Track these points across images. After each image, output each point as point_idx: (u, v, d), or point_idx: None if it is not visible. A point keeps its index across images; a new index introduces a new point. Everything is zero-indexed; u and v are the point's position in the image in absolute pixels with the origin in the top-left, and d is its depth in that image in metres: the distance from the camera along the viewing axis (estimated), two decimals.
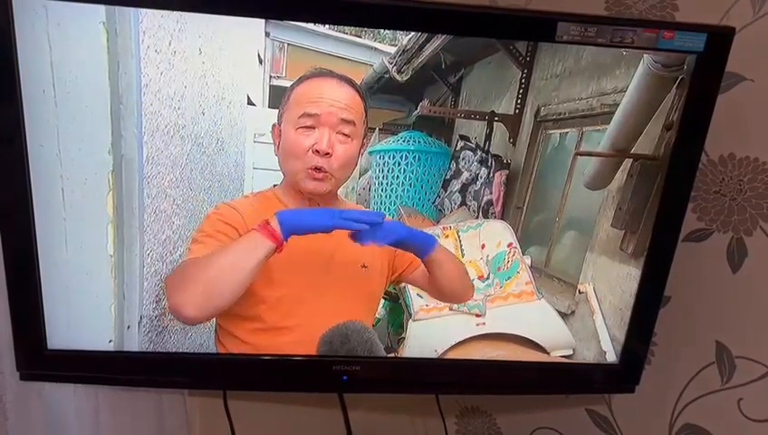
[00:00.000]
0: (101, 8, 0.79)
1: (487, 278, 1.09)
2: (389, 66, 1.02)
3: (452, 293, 1.05)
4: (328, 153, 0.92)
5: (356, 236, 0.91)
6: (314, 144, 0.91)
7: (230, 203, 0.96)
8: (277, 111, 0.96)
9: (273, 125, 0.96)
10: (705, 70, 0.88)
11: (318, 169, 0.92)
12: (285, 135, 0.93)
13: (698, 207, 1.10)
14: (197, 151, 1.02)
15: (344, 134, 0.93)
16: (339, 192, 1.00)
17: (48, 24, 0.77)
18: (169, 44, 0.89)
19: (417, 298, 1.07)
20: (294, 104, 0.93)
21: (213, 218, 0.93)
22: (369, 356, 0.99)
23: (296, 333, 0.96)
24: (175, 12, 0.86)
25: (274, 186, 1.00)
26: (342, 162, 0.94)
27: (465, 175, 1.14)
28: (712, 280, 1.12)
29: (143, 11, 0.84)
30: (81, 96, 0.82)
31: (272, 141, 0.97)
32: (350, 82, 0.94)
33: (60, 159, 0.83)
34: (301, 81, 0.94)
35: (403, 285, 1.10)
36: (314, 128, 0.91)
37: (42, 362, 0.94)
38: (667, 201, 0.95)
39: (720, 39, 0.87)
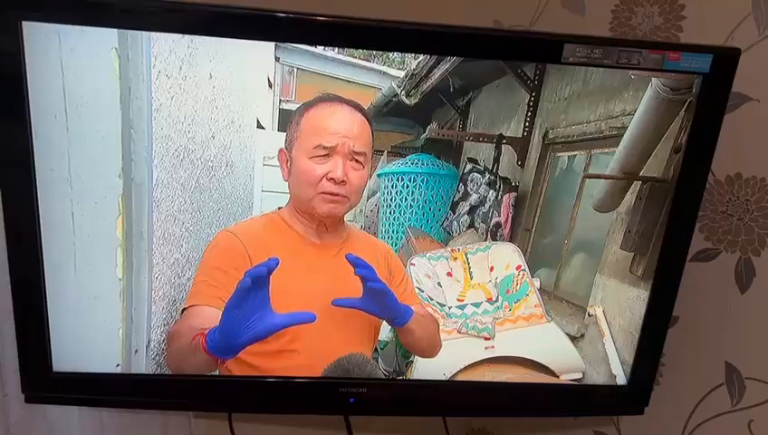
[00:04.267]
0: (114, 34, 0.80)
1: (496, 301, 1.09)
2: (398, 90, 1.02)
3: (416, 352, 1.06)
4: (343, 181, 0.92)
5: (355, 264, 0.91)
6: (328, 172, 0.92)
7: (231, 229, 0.95)
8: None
9: (281, 150, 0.96)
10: (711, 90, 0.88)
11: (334, 193, 0.93)
12: (298, 163, 0.93)
13: (705, 227, 1.10)
14: (207, 175, 1.02)
15: (357, 161, 0.94)
16: (347, 214, 1.00)
17: (61, 50, 0.77)
18: (180, 69, 0.90)
19: None
20: (307, 133, 0.93)
21: (212, 254, 0.92)
22: (376, 378, 0.99)
23: (302, 356, 0.95)
24: (186, 37, 0.87)
25: (279, 208, 0.99)
26: (356, 188, 0.95)
27: (474, 197, 1.14)
28: (720, 300, 1.12)
29: (155, 37, 0.84)
30: (93, 121, 0.82)
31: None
32: (359, 108, 0.95)
33: (70, 182, 0.83)
34: (309, 107, 0.94)
35: None
36: (328, 156, 0.92)
37: (47, 384, 0.93)
38: (674, 221, 0.95)
39: (726, 60, 0.87)
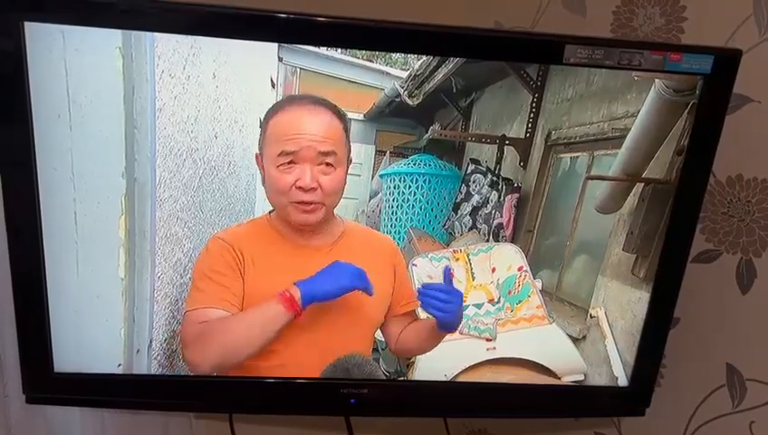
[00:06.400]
0: (118, 33, 0.79)
1: (498, 302, 1.09)
2: (401, 90, 1.02)
3: (409, 354, 1.06)
4: (313, 188, 0.90)
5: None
6: (297, 180, 0.89)
7: (221, 235, 0.94)
8: None
9: (256, 155, 0.94)
10: (712, 92, 0.89)
11: (306, 202, 0.91)
12: (267, 171, 0.91)
13: (706, 228, 1.10)
14: (210, 175, 1.02)
15: (327, 164, 0.90)
16: (349, 215, 0.99)
17: (65, 50, 0.77)
18: (183, 69, 0.90)
19: None
20: (271, 140, 0.90)
21: (207, 261, 0.92)
22: (377, 379, 0.99)
23: (294, 357, 0.94)
24: (189, 37, 0.87)
25: (270, 213, 0.98)
26: (330, 192, 0.91)
27: (476, 198, 1.15)
28: (721, 301, 1.12)
29: (158, 36, 0.85)
30: (96, 120, 0.82)
31: None
32: (326, 105, 0.91)
33: (73, 182, 0.83)
34: (275, 112, 0.91)
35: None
36: (294, 163, 0.89)
37: (48, 385, 0.93)
38: (675, 222, 0.95)
39: (727, 61, 0.87)
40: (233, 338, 0.89)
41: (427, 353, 1.03)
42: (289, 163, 0.89)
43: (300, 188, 0.89)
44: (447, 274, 0.96)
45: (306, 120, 0.89)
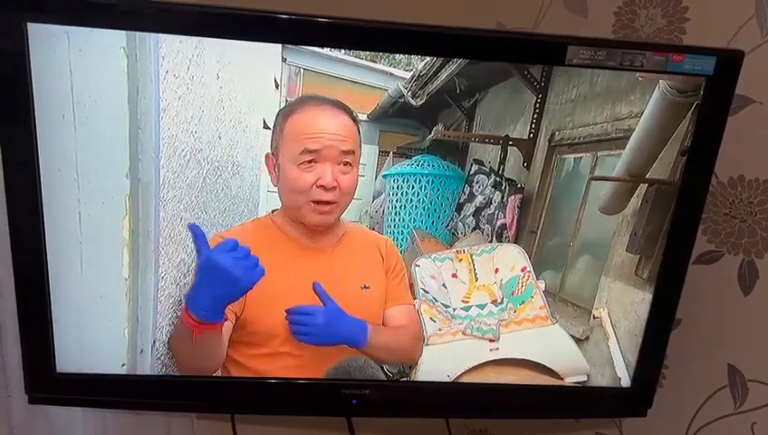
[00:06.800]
0: (122, 34, 0.79)
1: (501, 303, 1.09)
2: (404, 91, 1.02)
3: (393, 361, 1.05)
4: (333, 187, 0.91)
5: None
6: (318, 179, 0.91)
7: (222, 235, 0.94)
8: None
9: (267, 155, 0.95)
10: (714, 93, 0.89)
11: (325, 202, 0.92)
12: (286, 171, 0.92)
13: (708, 230, 1.10)
14: (213, 175, 1.02)
15: (345, 163, 0.92)
16: (352, 215, 1.00)
17: (70, 50, 0.77)
18: (188, 69, 0.90)
19: (430, 322, 1.06)
20: (292, 139, 0.91)
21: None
22: (378, 380, 0.99)
23: (297, 358, 0.95)
24: (193, 37, 0.87)
25: (273, 211, 0.98)
26: (346, 191, 0.93)
27: (479, 199, 1.15)
28: (723, 302, 1.12)
29: (162, 37, 0.84)
30: (100, 120, 0.82)
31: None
32: (343, 108, 0.93)
33: (77, 182, 0.83)
34: (292, 111, 0.92)
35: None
36: (316, 162, 0.90)
37: (50, 385, 0.93)
38: (677, 223, 0.95)
39: (730, 62, 0.87)
40: (188, 364, 0.95)
41: (430, 354, 1.04)
42: (310, 162, 0.90)
43: (321, 186, 0.90)
44: (319, 291, 0.93)
45: (326, 120, 0.91)
